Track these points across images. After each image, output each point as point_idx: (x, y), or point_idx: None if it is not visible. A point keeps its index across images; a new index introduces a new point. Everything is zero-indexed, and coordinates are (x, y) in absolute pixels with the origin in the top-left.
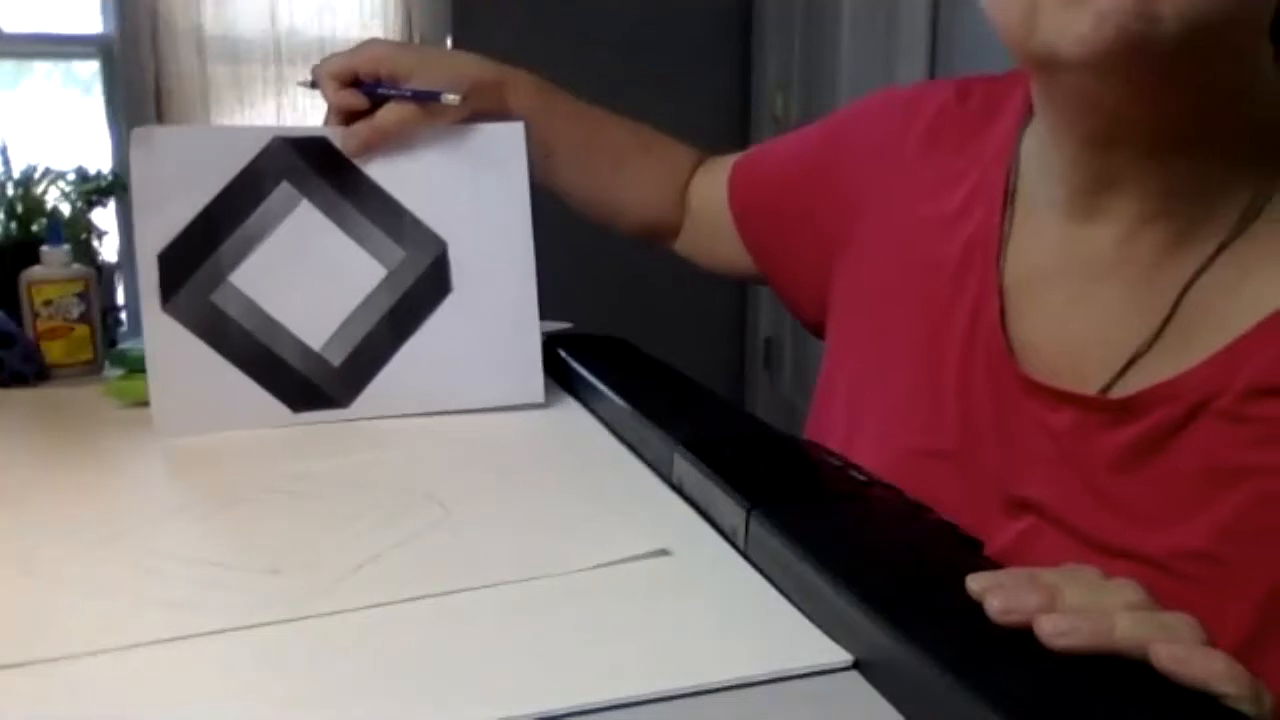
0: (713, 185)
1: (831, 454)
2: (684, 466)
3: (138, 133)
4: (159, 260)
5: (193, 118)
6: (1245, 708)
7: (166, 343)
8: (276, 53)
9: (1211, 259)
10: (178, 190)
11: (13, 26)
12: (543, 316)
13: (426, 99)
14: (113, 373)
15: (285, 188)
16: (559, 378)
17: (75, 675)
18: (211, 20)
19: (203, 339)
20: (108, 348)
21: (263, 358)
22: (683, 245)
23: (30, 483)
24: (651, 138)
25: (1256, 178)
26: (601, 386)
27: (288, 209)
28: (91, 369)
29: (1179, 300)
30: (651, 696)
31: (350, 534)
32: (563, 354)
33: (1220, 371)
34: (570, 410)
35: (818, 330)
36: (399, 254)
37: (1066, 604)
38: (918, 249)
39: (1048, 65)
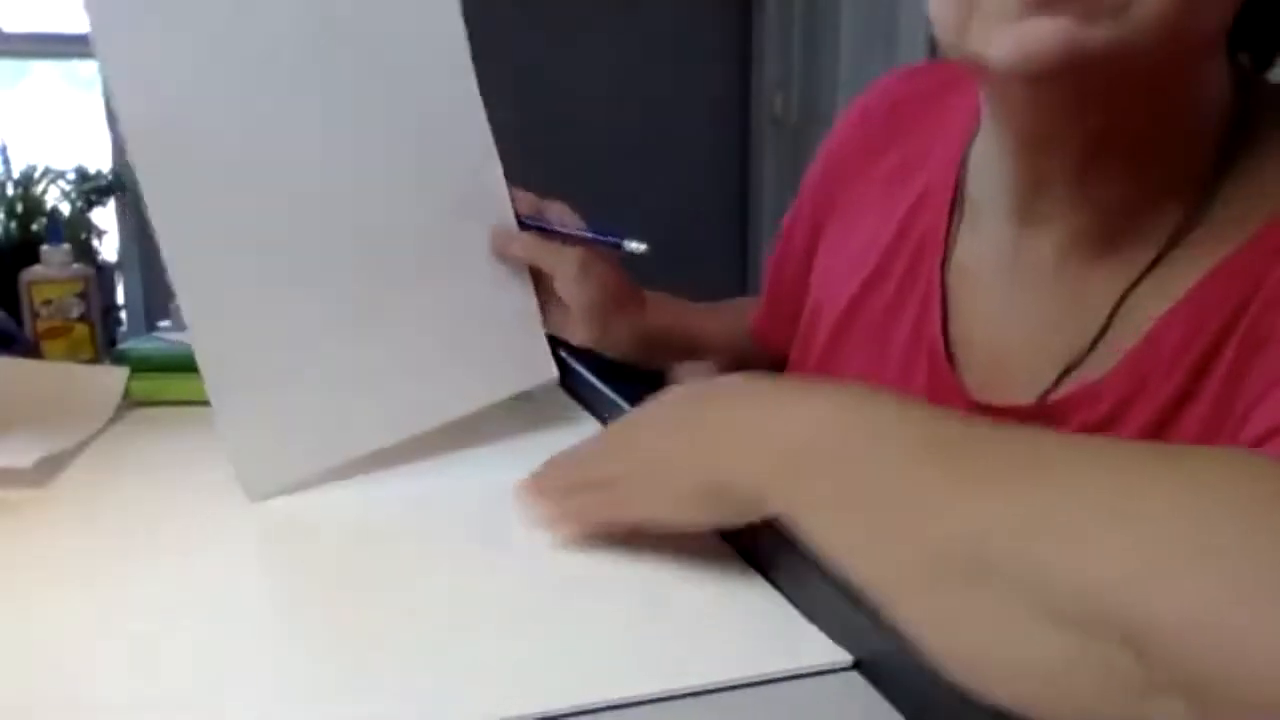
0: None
1: None
2: None
3: None
4: None
5: None
6: None
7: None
8: None
9: (1140, 279)
10: None
11: (13, 26)
12: None
13: (606, 245)
14: (119, 371)
15: None
16: (559, 378)
17: (79, 669)
18: None
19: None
20: (108, 348)
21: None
22: None
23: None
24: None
25: (1190, 196)
26: (602, 387)
27: None
28: None
29: (1112, 315)
30: (651, 696)
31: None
32: (564, 354)
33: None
34: (571, 411)
35: None
36: None
37: None
38: (868, 254)
39: (978, 69)
